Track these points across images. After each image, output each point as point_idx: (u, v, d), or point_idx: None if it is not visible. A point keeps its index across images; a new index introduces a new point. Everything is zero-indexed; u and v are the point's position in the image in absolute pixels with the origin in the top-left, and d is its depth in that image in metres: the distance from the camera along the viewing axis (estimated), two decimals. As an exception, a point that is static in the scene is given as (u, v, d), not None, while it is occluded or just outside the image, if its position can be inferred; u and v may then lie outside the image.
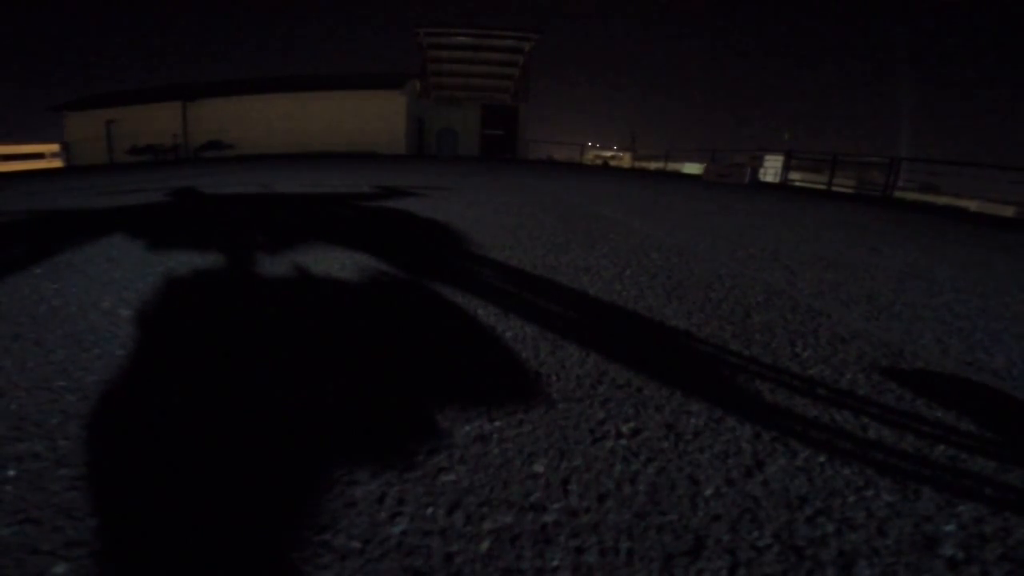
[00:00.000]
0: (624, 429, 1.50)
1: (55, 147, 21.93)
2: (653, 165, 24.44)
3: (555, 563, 0.99)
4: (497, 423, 1.48)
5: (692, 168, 22.57)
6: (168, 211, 5.43)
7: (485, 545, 1.02)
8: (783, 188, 14.49)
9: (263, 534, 1.02)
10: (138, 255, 3.36)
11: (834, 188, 13.70)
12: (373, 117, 22.98)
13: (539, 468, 1.29)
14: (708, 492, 1.23)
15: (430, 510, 1.12)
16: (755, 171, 15.61)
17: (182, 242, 3.75)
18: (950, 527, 1.12)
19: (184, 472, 1.21)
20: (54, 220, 4.84)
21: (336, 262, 3.27)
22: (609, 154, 32.17)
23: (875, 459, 1.38)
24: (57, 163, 20.87)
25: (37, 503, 1.08)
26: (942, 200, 14.29)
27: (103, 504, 1.10)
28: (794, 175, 15.76)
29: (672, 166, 23.26)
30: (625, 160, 28.75)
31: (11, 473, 1.18)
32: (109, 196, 6.59)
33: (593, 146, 34.53)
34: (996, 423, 1.58)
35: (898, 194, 12.56)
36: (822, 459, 1.38)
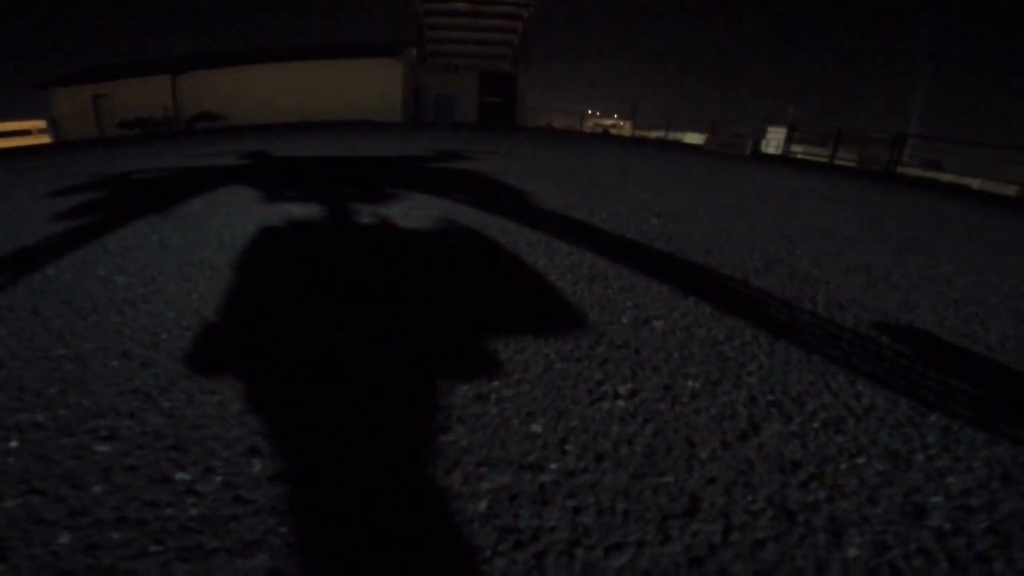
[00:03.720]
0: (622, 390, 1.50)
1: (41, 123, 21.22)
2: (654, 134, 23.97)
3: (552, 523, 0.99)
4: (495, 383, 1.47)
5: (693, 138, 22.19)
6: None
7: (483, 504, 1.03)
8: (785, 160, 14.29)
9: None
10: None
11: (836, 162, 13.53)
12: (369, 86, 22.45)
13: (537, 428, 1.29)
14: (704, 455, 1.24)
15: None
16: (757, 142, 15.35)
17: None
18: (938, 498, 1.14)
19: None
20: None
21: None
22: (609, 122, 31.44)
23: (868, 427, 1.39)
24: (45, 139, 20.32)
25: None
26: (945, 178, 14.17)
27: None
28: (796, 148, 15.52)
29: (673, 135, 22.86)
30: (626, 129, 28.12)
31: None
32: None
33: (593, 114, 33.68)
34: (988, 395, 1.60)
35: (901, 170, 12.43)
36: (816, 425, 1.39)
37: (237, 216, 3.44)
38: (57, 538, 0.92)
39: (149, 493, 1.03)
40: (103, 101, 21.28)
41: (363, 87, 22.45)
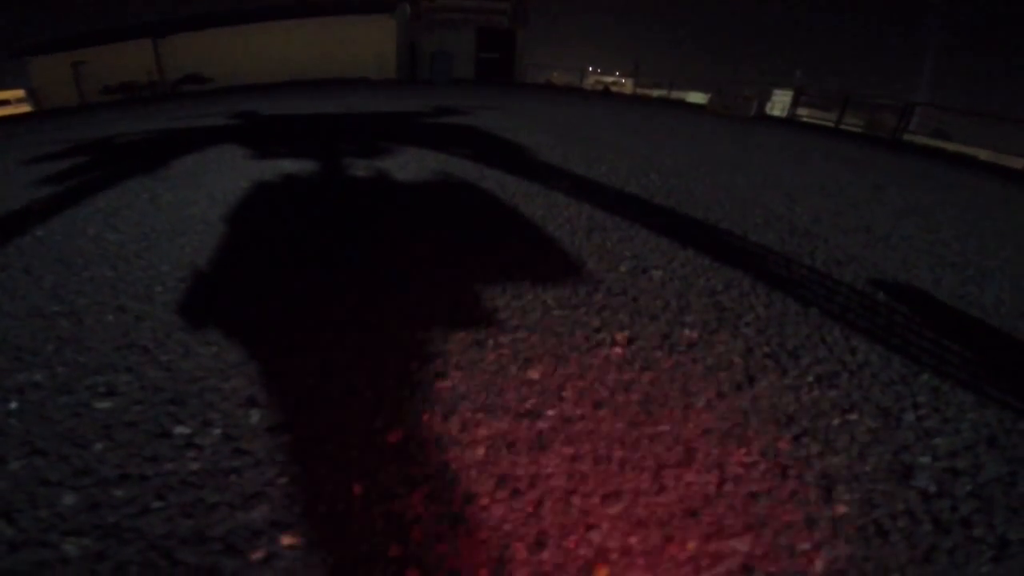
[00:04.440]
0: (619, 337, 1.48)
1: (20, 93, 20.28)
2: (656, 93, 23.13)
3: (549, 470, 0.99)
4: (492, 328, 1.45)
5: (696, 97, 21.47)
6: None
7: (480, 451, 1.02)
8: (790, 123, 13.93)
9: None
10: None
11: (842, 127, 13.22)
12: (363, 43, 21.59)
13: (534, 375, 1.28)
14: (699, 404, 1.24)
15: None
16: (762, 104, 14.92)
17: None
18: (925, 459, 1.16)
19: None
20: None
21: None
22: (611, 80, 30.13)
23: (861, 383, 1.40)
24: (25, 108, 19.30)
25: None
26: (952, 147, 13.97)
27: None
28: (802, 111, 15.12)
29: (676, 95, 22.12)
30: (627, 87, 27.01)
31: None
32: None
33: (594, 72, 32.21)
34: (979, 358, 1.61)
35: (908, 138, 12.20)
36: (810, 379, 1.39)
37: (228, 172, 3.27)
38: (62, 499, 0.89)
39: (150, 449, 1.01)
40: (83, 68, 20.49)
41: (357, 45, 21.87)
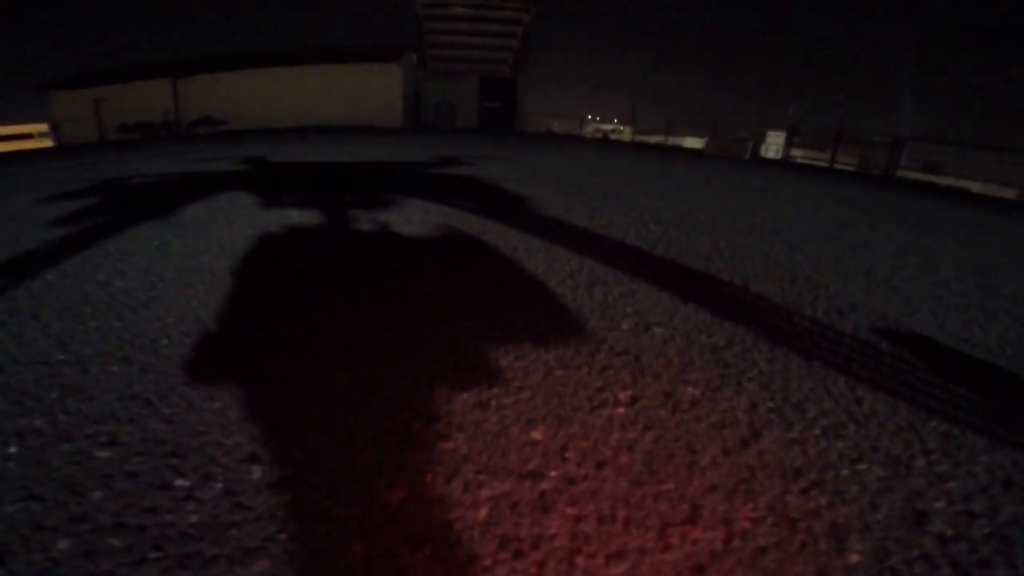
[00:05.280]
0: (622, 397, 1.50)
1: (43, 127, 21.09)
2: (653, 139, 23.99)
3: (553, 531, 0.99)
4: (495, 390, 1.47)
5: (693, 142, 22.24)
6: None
7: (483, 512, 1.03)
8: (784, 164, 14.33)
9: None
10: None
11: (836, 166, 13.58)
12: (369, 90, 22.61)
13: (537, 435, 1.29)
14: (704, 461, 1.24)
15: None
16: (757, 146, 15.46)
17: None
18: (940, 503, 1.14)
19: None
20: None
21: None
22: (609, 127, 31.45)
23: (869, 432, 1.39)
24: (46, 143, 20.34)
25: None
26: (945, 181, 14.24)
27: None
28: (796, 152, 15.60)
29: (673, 140, 22.92)
30: (625, 134, 28.14)
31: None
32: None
33: (593, 119, 33.72)
34: (989, 400, 1.60)
35: (900, 173, 12.47)
36: (817, 431, 1.39)
37: (237, 221, 3.45)
38: (57, 544, 0.92)
39: (149, 499, 1.03)
40: (104, 104, 21.33)
41: (364, 92, 22.58)
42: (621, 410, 1.43)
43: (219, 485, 1.07)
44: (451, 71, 27.21)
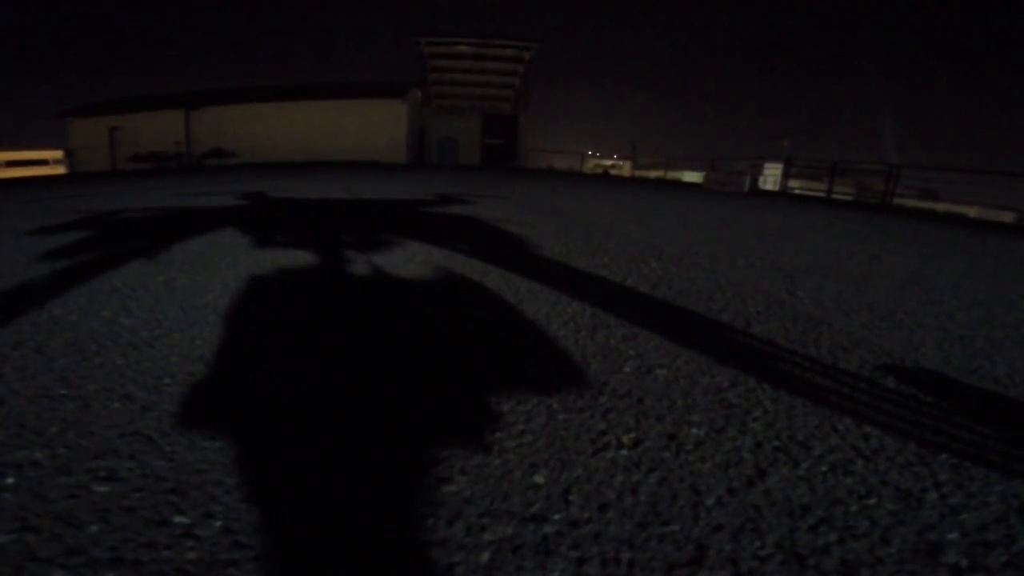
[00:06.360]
0: (625, 439, 1.49)
1: (59, 154, 21.64)
2: (653, 174, 24.46)
3: (556, 574, 0.98)
4: (497, 434, 1.48)
5: (692, 176, 22.64)
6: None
7: (486, 556, 1.02)
8: (783, 196, 14.54)
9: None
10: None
11: (833, 196, 13.76)
12: (375, 126, 23.11)
13: (539, 479, 1.29)
14: (710, 502, 1.23)
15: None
16: (755, 179, 15.74)
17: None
18: (953, 535, 1.11)
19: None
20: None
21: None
22: (609, 163, 32.13)
23: (877, 467, 1.37)
24: (60, 170, 20.81)
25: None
26: (942, 207, 14.37)
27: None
28: (793, 183, 15.84)
29: (672, 175, 23.34)
30: (625, 169, 28.73)
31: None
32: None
33: (593, 155, 34.55)
34: (999, 431, 1.58)
35: (898, 201, 12.60)
36: (824, 468, 1.37)
37: (243, 258, 3.55)
38: (50, 575, 0.92)
39: (147, 535, 1.03)
40: (119, 133, 21.77)
41: (369, 128, 23.08)
42: (624, 452, 1.43)
43: (218, 523, 1.08)
44: (454, 108, 28.05)
